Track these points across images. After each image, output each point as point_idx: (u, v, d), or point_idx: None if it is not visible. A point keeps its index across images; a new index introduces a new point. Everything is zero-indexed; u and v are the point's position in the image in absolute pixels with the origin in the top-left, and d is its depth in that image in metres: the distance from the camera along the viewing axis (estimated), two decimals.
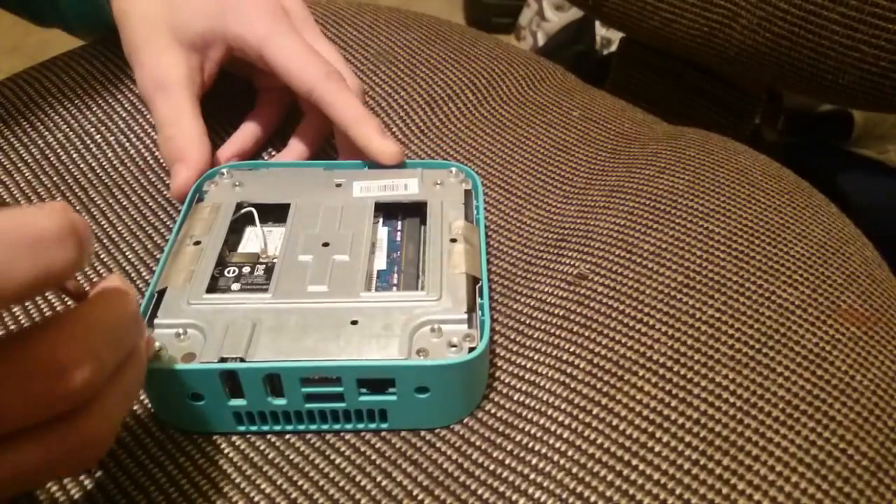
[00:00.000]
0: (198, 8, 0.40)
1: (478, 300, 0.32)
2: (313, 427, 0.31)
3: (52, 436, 0.20)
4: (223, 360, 0.29)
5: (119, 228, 0.40)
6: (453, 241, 0.35)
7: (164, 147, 0.39)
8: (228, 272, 0.33)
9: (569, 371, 0.33)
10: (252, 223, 0.36)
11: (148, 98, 0.40)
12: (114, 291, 0.23)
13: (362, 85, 0.42)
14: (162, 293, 0.32)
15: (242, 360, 0.29)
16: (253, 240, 0.35)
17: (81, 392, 0.20)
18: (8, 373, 0.19)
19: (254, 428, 0.31)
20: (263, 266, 0.33)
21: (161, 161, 0.43)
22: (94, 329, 0.21)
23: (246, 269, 0.33)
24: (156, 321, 0.31)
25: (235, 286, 0.32)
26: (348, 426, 0.31)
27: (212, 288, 0.32)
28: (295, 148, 0.42)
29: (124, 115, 0.45)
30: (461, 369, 0.29)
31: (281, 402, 0.30)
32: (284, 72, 0.39)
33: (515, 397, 0.32)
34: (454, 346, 0.30)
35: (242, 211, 0.36)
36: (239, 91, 0.45)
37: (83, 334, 0.20)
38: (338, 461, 0.30)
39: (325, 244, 0.34)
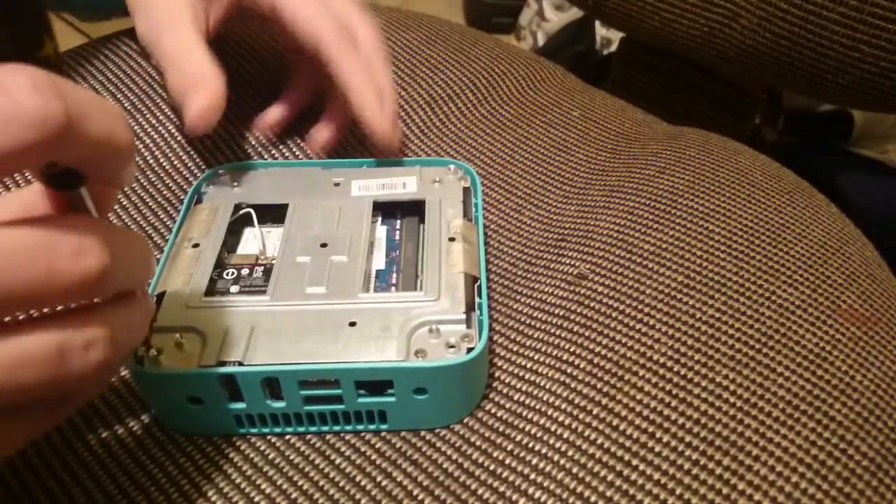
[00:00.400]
0: None
1: (476, 300, 0.32)
2: (313, 429, 0.31)
3: (62, 323, 0.21)
4: (222, 363, 0.29)
5: None
6: (452, 240, 0.34)
7: (174, 80, 0.37)
8: (227, 274, 0.33)
9: (569, 371, 0.33)
10: (251, 224, 0.36)
11: (153, 40, 0.39)
12: (132, 232, 0.23)
13: (396, 94, 0.41)
14: (161, 297, 0.32)
15: (241, 363, 0.29)
16: (251, 241, 0.35)
17: (97, 279, 0.20)
18: (35, 242, 0.19)
19: (254, 430, 0.31)
20: (262, 268, 0.33)
21: (161, 161, 0.43)
22: (110, 234, 0.21)
23: (244, 272, 0.33)
24: (154, 325, 0.31)
25: (234, 288, 0.32)
26: (348, 428, 0.31)
27: (210, 291, 0.32)
28: (319, 137, 0.42)
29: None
30: (459, 370, 0.29)
31: (280, 404, 0.30)
32: (292, 20, 0.38)
33: (515, 397, 0.32)
34: (452, 346, 0.30)
35: (241, 212, 0.36)
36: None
37: (102, 232, 0.21)
38: (338, 461, 0.30)
39: (324, 245, 0.34)
